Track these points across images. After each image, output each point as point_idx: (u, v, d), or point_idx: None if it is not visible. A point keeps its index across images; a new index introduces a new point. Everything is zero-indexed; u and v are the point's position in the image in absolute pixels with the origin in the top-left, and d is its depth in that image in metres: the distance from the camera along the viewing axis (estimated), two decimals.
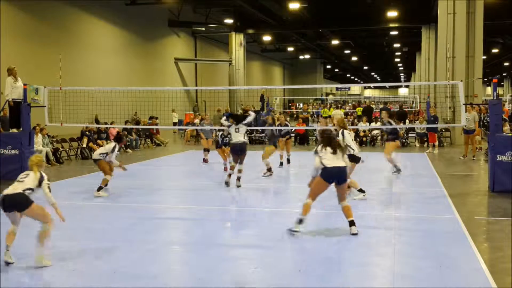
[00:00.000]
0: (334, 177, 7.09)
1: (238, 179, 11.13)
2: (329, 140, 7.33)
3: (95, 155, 10.56)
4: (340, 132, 9.51)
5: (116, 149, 10.41)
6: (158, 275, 5.64)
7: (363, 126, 21.37)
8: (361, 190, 9.57)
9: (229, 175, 11.34)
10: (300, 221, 7.10)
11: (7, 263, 5.87)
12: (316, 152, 7.30)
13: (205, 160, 15.43)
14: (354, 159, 9.42)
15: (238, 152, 11.06)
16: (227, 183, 11.24)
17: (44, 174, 6.22)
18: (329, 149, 7.19)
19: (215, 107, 24.80)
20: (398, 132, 13.19)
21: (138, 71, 32.38)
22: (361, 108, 29.75)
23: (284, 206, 9.61)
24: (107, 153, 10.33)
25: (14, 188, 6.01)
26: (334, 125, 10.47)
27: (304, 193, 10.41)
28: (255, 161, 13.98)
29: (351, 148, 9.38)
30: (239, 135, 11.04)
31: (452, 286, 5.28)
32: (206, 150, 15.54)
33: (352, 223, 7.12)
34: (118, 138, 10.92)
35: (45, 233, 5.98)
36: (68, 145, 17.66)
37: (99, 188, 10.19)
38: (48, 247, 6.05)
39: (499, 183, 10.37)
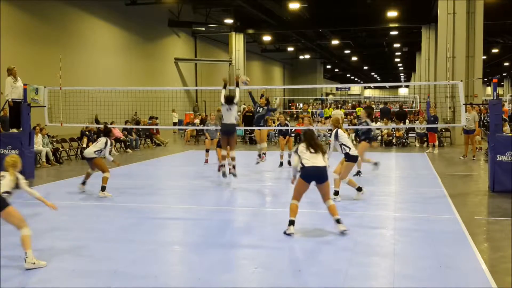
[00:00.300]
0: (313, 176, 7.08)
1: (233, 167, 10.92)
2: (310, 139, 7.31)
3: (89, 153, 10.16)
4: (334, 131, 9.49)
5: (108, 143, 10.17)
6: (158, 275, 5.63)
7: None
8: (359, 189, 9.54)
9: (222, 166, 11.50)
10: (291, 223, 7.10)
11: None
12: (296, 151, 7.33)
13: (206, 161, 15.40)
14: (351, 158, 9.36)
15: (228, 133, 10.90)
16: (224, 174, 11.31)
17: (18, 174, 6.19)
18: (309, 148, 7.21)
19: (215, 107, 24.81)
20: (372, 133, 12.75)
21: (138, 71, 32.38)
22: (361, 108, 29.74)
23: (284, 206, 9.57)
24: (101, 150, 10.12)
25: None
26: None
27: (304, 193, 10.41)
28: (253, 161, 13.98)
29: (346, 146, 9.29)
30: (230, 115, 10.88)
31: (452, 286, 5.28)
32: (207, 150, 15.51)
33: (338, 221, 7.16)
34: (106, 132, 10.54)
35: (26, 237, 5.89)
36: (68, 145, 17.66)
37: (103, 188, 10.03)
38: (34, 248, 5.99)
39: (499, 183, 10.38)
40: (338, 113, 23.46)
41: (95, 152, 10.12)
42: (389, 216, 8.38)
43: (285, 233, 7.06)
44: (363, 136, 12.28)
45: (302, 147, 7.27)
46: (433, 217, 8.33)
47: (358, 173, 12.40)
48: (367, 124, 12.27)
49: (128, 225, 7.97)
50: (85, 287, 5.36)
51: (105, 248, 6.66)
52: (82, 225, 8.01)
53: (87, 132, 17.94)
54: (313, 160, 7.10)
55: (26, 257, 5.82)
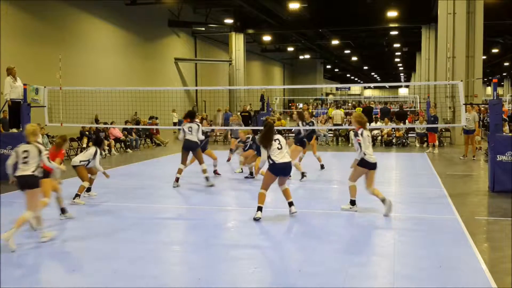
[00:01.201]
0: (281, 172, 8.03)
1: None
2: (269, 137, 7.98)
3: (75, 161, 9.84)
4: (359, 132, 8.39)
5: (98, 154, 9.81)
6: (158, 275, 5.63)
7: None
8: (352, 202, 8.75)
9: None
10: (259, 209, 8.03)
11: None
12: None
13: (229, 159, 15.36)
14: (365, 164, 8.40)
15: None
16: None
17: (39, 145, 6.63)
18: (275, 144, 7.96)
19: (215, 107, 24.83)
20: (302, 136, 12.07)
21: (138, 71, 32.38)
22: (361, 108, 29.74)
23: (284, 206, 9.59)
24: (88, 160, 9.73)
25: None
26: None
27: (304, 193, 10.42)
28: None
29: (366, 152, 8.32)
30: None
31: (452, 286, 5.28)
32: (231, 150, 15.46)
33: (291, 204, 8.16)
34: (97, 142, 10.32)
35: (23, 219, 6.55)
36: (68, 145, 17.64)
37: (76, 196, 9.61)
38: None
39: (499, 183, 10.37)
40: (338, 113, 23.47)
41: (80, 161, 9.75)
42: (389, 216, 8.37)
43: (254, 218, 7.91)
44: (295, 139, 12.10)
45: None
46: (433, 217, 8.33)
47: (303, 175, 11.79)
48: (300, 127, 11.96)
49: (128, 225, 7.96)
50: (85, 287, 5.36)
51: (105, 248, 6.65)
52: (82, 225, 8.01)
53: (86, 132, 17.93)
54: (282, 156, 7.94)
55: (6, 231, 6.37)
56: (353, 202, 8.66)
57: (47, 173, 7.30)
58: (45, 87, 13.49)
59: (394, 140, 20.95)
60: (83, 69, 26.50)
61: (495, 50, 47.85)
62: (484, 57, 33.28)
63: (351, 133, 9.35)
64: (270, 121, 8.99)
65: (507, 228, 7.50)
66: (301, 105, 43.70)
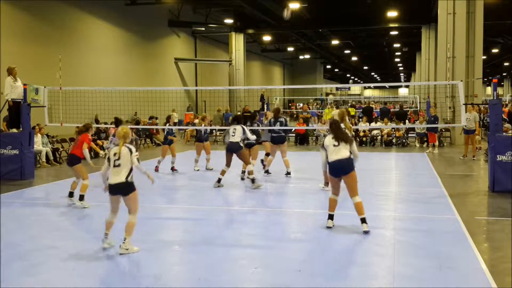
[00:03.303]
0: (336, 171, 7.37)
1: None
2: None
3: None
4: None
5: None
6: (158, 275, 5.63)
7: (363, 126, 21.37)
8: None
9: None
10: (330, 217, 7.45)
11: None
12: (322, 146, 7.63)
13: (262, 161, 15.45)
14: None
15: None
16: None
17: (131, 146, 6.66)
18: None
19: (215, 107, 24.83)
20: (249, 139, 11.56)
21: (138, 71, 32.38)
22: (353, 109, 30.14)
23: (284, 206, 9.61)
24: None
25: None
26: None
27: (304, 193, 10.41)
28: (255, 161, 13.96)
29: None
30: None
31: (452, 286, 5.28)
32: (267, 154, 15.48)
33: (362, 221, 7.26)
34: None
35: (133, 224, 6.47)
36: (68, 145, 17.64)
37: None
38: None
39: (499, 183, 10.37)
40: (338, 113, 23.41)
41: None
42: (389, 216, 8.38)
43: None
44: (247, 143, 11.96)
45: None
46: (433, 217, 8.33)
47: (252, 181, 11.16)
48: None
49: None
50: (85, 287, 5.36)
51: (105, 248, 6.65)
52: (82, 225, 8.01)
53: None
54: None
55: (123, 242, 6.30)
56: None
57: (79, 159, 8.42)
58: (45, 87, 13.49)
59: (394, 140, 20.95)
60: (83, 69, 26.50)
61: (495, 50, 47.85)
62: (484, 57, 33.31)
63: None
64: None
65: (507, 228, 7.50)
66: (301, 105, 43.75)
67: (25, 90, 12.79)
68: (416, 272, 5.70)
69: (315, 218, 8.27)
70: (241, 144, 11.15)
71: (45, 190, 11.59)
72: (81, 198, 9.19)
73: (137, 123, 23.57)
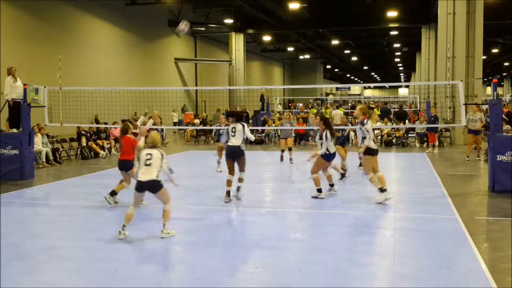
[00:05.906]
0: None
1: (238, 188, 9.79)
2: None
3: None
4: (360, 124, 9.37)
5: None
6: (158, 275, 5.63)
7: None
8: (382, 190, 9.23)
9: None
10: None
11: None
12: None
13: (281, 158, 15.54)
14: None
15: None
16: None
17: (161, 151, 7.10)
18: None
19: (215, 107, 24.81)
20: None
21: (138, 71, 32.37)
22: (344, 109, 30.23)
23: (284, 206, 9.60)
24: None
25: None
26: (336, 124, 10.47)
27: (304, 193, 10.41)
28: (255, 160, 13.98)
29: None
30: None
31: (452, 286, 5.28)
32: (283, 151, 15.60)
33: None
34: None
35: (168, 211, 7.02)
36: (68, 145, 17.65)
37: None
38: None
39: (499, 183, 10.37)
40: (338, 113, 23.46)
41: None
42: (389, 216, 8.38)
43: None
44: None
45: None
46: (433, 217, 8.33)
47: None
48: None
49: (128, 225, 7.94)
50: (85, 287, 5.36)
51: (105, 248, 6.65)
52: (82, 225, 8.01)
53: (83, 132, 17.82)
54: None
55: (164, 228, 6.94)
56: (382, 190, 9.21)
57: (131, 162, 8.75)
58: (45, 87, 13.50)
59: (394, 140, 20.95)
60: (83, 69, 26.50)
61: (495, 50, 47.85)
62: (484, 57, 33.28)
63: (357, 126, 9.46)
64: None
65: (507, 228, 7.50)
66: (300, 105, 43.75)
67: (25, 90, 12.80)
68: (416, 272, 5.71)
69: (315, 218, 8.27)
70: (242, 148, 9.57)
71: (45, 190, 11.59)
72: (113, 193, 9.35)
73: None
